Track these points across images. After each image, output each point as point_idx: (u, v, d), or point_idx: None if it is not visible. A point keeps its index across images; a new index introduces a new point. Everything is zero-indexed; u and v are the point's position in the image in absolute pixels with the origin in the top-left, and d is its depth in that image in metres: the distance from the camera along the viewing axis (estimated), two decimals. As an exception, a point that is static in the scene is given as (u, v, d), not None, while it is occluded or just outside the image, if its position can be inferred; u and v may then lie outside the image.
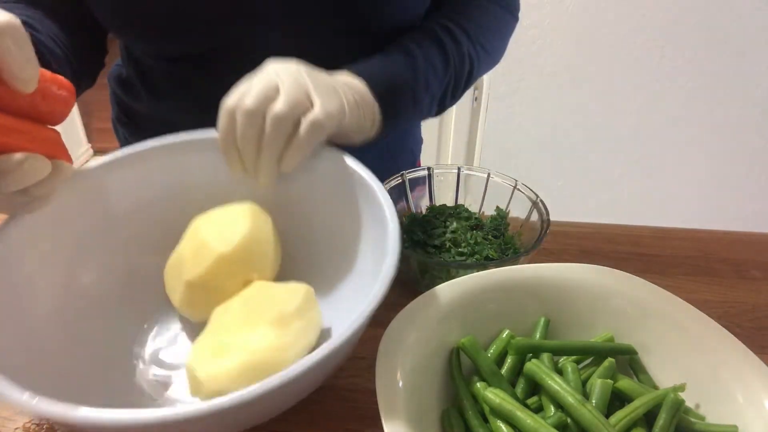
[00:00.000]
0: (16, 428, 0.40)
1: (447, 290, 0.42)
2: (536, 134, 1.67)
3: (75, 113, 2.48)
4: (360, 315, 0.33)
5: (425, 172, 0.59)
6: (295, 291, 0.41)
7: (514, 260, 0.49)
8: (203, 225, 0.45)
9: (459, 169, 0.60)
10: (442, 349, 0.40)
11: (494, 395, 0.36)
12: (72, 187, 0.43)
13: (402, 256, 0.50)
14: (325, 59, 0.49)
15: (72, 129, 2.48)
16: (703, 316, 0.40)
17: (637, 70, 1.58)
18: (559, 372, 0.39)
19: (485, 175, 0.58)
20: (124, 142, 0.73)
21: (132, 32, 0.57)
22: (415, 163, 0.81)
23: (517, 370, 0.40)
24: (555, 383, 0.37)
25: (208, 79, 0.59)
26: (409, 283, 0.52)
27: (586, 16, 1.52)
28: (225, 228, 0.44)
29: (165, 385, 0.43)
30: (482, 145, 1.72)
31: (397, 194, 0.59)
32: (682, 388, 0.38)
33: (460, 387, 0.38)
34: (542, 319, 0.43)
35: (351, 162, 0.46)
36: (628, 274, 0.44)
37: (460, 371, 0.39)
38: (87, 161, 1.92)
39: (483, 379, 0.39)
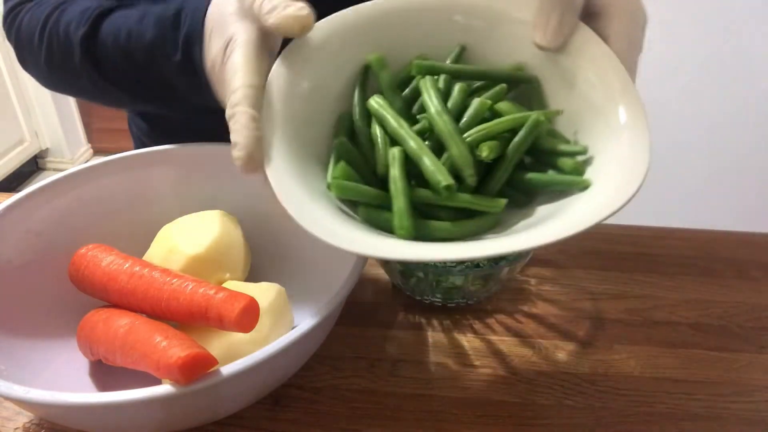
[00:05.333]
0: (16, 428, 0.40)
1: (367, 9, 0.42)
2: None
3: (75, 113, 2.48)
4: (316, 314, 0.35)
5: None
6: (267, 290, 0.43)
7: (498, 269, 0.48)
8: (172, 231, 0.46)
9: None
10: (347, 70, 0.41)
11: (375, 102, 0.39)
12: (40, 201, 0.45)
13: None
14: None
15: (72, 129, 2.48)
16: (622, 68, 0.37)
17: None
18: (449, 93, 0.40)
19: None
20: (137, 141, 0.73)
21: None
22: None
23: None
24: (427, 96, 0.38)
25: None
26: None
27: (586, 16, 1.52)
28: (195, 232, 0.45)
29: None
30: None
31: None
32: (556, 113, 0.39)
33: (358, 97, 0.40)
34: (458, 47, 0.43)
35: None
36: None
37: (363, 87, 0.41)
38: (87, 161, 1.92)
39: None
